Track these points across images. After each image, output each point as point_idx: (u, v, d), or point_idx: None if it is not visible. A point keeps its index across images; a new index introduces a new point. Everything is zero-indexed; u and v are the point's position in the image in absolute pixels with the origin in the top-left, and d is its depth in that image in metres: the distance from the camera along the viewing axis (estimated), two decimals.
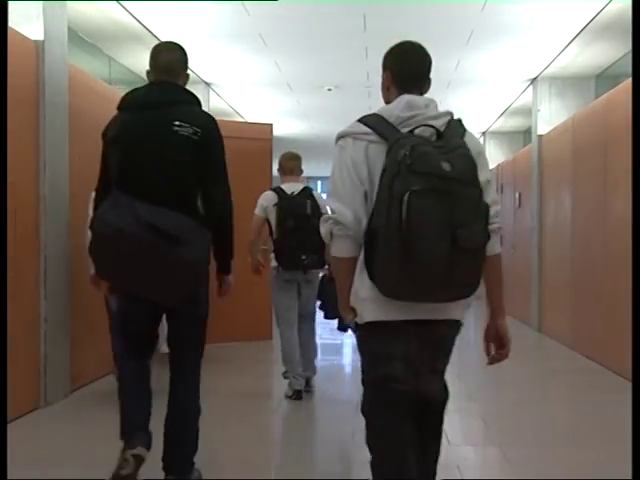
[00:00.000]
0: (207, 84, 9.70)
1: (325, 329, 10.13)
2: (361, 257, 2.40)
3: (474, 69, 9.10)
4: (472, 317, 13.65)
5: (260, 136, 8.32)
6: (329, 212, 2.47)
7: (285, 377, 5.43)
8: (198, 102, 3.38)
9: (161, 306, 3.16)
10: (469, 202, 2.29)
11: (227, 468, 3.90)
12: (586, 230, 7.50)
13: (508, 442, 4.40)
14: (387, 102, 2.58)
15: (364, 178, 2.39)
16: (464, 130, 2.48)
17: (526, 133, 12.96)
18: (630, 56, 6.02)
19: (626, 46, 7.66)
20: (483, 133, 14.06)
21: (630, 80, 5.75)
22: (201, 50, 8.24)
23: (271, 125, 8.63)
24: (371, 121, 2.45)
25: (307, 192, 5.54)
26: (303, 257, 5.26)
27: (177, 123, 3.10)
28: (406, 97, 2.47)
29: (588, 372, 6.67)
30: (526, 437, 4.55)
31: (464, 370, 7.39)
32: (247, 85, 10.09)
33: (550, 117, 9.38)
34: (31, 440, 4.26)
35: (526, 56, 8.50)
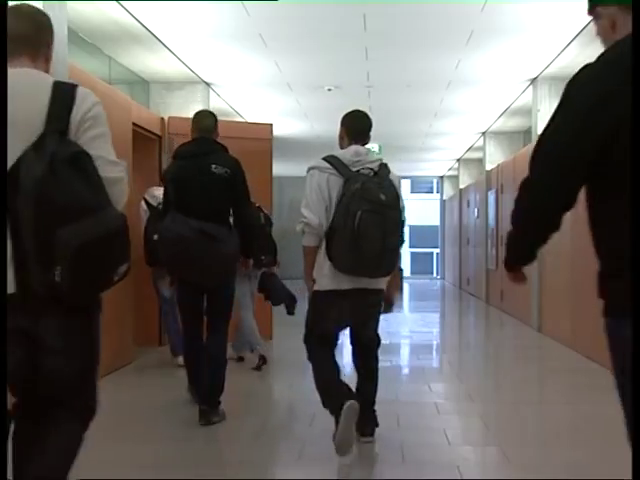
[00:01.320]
0: (207, 84, 9.69)
1: None
2: (323, 246, 3.87)
3: (474, 69, 9.10)
4: (472, 318, 13.70)
5: (260, 136, 8.32)
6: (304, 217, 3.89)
7: None
8: (226, 150, 4.74)
9: (205, 288, 4.58)
10: (394, 220, 3.85)
11: (227, 468, 3.90)
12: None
13: (508, 442, 4.40)
14: (341, 147, 4.16)
15: (326, 197, 3.88)
16: (389, 171, 4.04)
17: (526, 133, 12.95)
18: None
19: None
20: (483, 133, 14.05)
21: None
22: (201, 50, 8.23)
23: (271, 125, 8.64)
24: (332, 161, 3.97)
25: None
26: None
27: (214, 166, 4.46)
28: (354, 147, 4.08)
29: (588, 372, 6.67)
30: (526, 437, 4.56)
31: (464, 370, 7.39)
32: (247, 85, 10.09)
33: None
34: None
35: (526, 56, 8.50)
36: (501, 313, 11.83)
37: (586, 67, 2.01)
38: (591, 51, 8.15)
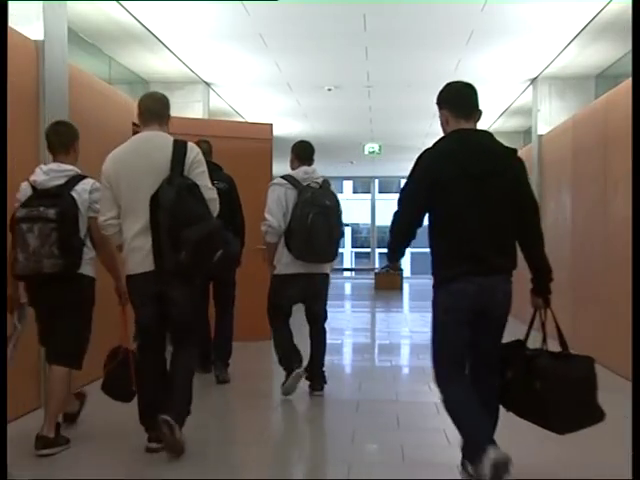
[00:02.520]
0: (207, 84, 9.69)
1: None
2: (282, 241, 5.23)
3: (474, 69, 9.10)
4: None
5: (260, 136, 8.32)
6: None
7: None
8: (221, 168, 6.00)
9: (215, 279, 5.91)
10: (335, 219, 5.29)
11: (227, 468, 3.90)
12: (586, 230, 7.50)
13: (508, 442, 4.40)
14: (292, 169, 5.47)
15: (284, 205, 5.21)
16: (329, 184, 5.47)
17: (526, 133, 12.95)
18: (630, 56, 6.01)
19: (626, 46, 7.66)
20: None
21: (630, 80, 5.75)
22: (201, 50, 8.24)
23: (271, 125, 8.63)
24: (288, 178, 5.32)
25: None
26: None
27: (216, 182, 4.59)
28: (303, 167, 5.43)
29: None
30: (526, 437, 4.55)
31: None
32: (247, 85, 10.09)
33: (550, 117, 9.38)
34: (31, 440, 4.25)
35: (526, 56, 8.51)
36: None
37: (426, 151, 3.56)
38: (591, 51, 8.17)
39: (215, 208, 3.90)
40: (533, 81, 9.66)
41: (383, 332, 10.23)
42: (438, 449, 4.25)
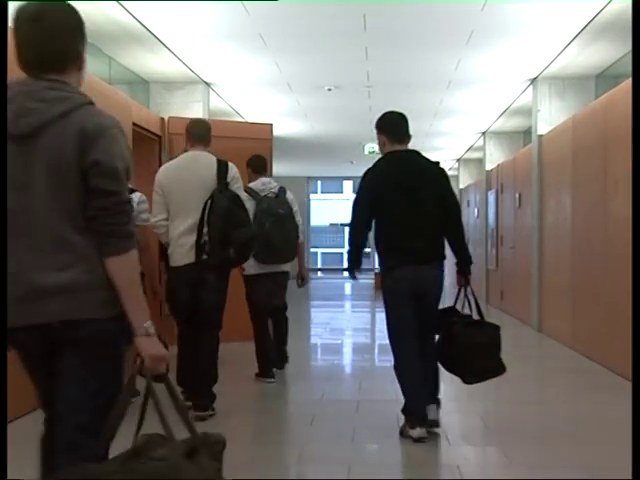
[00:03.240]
0: (207, 84, 9.69)
1: (325, 329, 10.14)
2: None
3: (474, 69, 9.09)
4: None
5: (260, 136, 8.32)
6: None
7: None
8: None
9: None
10: (290, 225, 5.97)
11: (227, 468, 3.90)
12: (586, 230, 7.50)
13: (508, 442, 4.40)
14: (250, 181, 6.03)
15: None
16: (285, 191, 6.11)
17: (526, 133, 12.95)
18: (630, 56, 6.01)
19: (626, 46, 7.66)
20: (483, 133, 14.05)
21: (630, 80, 5.75)
22: (201, 50, 8.23)
23: (271, 125, 8.63)
24: (248, 191, 5.63)
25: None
26: None
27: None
28: (262, 179, 6.11)
29: (588, 372, 6.67)
30: (526, 437, 4.55)
31: None
32: (247, 85, 10.09)
33: (550, 117, 9.38)
34: (31, 440, 4.25)
35: (526, 56, 8.50)
36: (501, 313, 11.82)
37: (369, 170, 4.46)
38: (591, 51, 8.16)
39: (250, 215, 4.94)
40: (533, 81, 9.66)
41: (383, 332, 10.20)
42: (438, 449, 4.25)
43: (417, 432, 4.15)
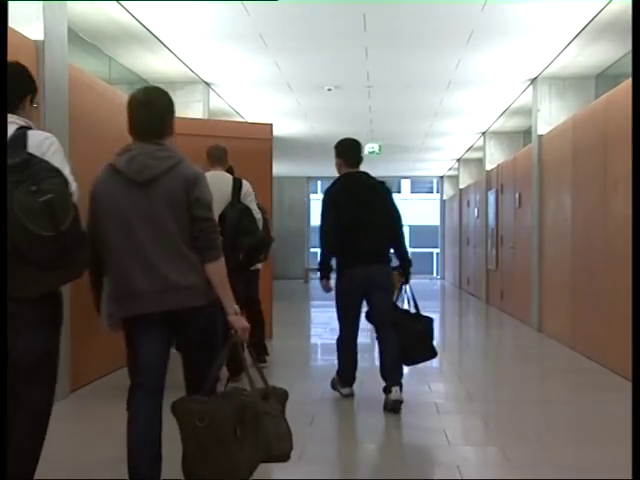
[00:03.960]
0: (207, 84, 9.69)
1: (325, 329, 10.13)
2: None
3: (474, 69, 9.10)
4: (472, 317, 13.65)
5: (260, 136, 8.32)
6: None
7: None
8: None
9: None
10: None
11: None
12: (586, 230, 7.50)
13: (508, 442, 4.40)
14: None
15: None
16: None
17: (526, 133, 12.95)
18: (630, 56, 6.01)
19: (626, 46, 7.66)
20: (483, 133, 14.05)
21: (630, 80, 5.75)
22: (201, 50, 8.23)
23: (271, 125, 8.63)
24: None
25: None
26: None
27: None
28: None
29: (588, 372, 6.67)
30: (526, 437, 4.55)
31: (464, 370, 7.40)
32: (247, 85, 10.09)
33: (550, 117, 9.38)
34: None
35: (526, 56, 8.50)
36: (501, 313, 11.82)
37: (330, 187, 5.37)
38: (591, 51, 8.16)
39: (260, 224, 5.41)
40: (533, 81, 9.66)
41: None
42: (438, 449, 4.25)
43: (346, 390, 5.51)
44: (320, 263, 5.37)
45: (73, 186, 2.66)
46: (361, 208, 5.19)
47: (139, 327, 3.01)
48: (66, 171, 2.66)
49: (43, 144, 2.70)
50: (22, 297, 2.61)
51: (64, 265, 2.63)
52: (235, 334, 2.99)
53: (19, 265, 2.52)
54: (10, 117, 2.73)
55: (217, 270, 3.01)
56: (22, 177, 2.52)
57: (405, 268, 5.42)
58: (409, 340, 5.22)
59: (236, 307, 3.03)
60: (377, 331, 5.36)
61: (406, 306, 5.50)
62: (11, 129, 2.70)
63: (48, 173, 2.58)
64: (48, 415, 2.93)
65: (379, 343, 5.34)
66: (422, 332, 5.31)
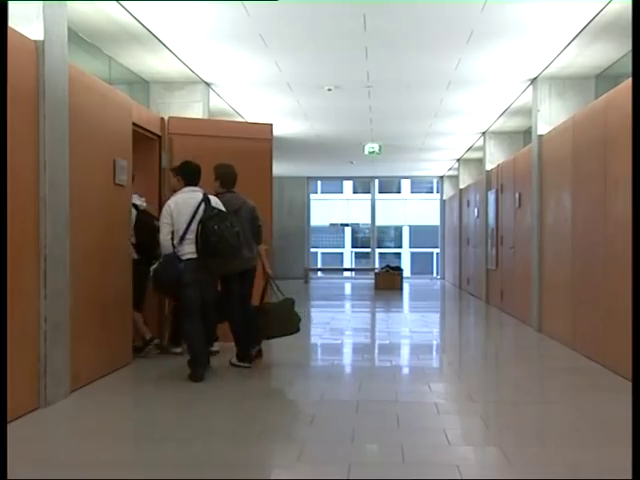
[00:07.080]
0: (207, 84, 9.69)
1: (325, 329, 10.14)
2: None
3: (474, 69, 9.10)
4: (472, 317, 13.63)
5: (260, 136, 8.32)
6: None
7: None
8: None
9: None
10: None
11: (227, 468, 3.90)
12: (586, 230, 7.50)
13: (508, 442, 4.40)
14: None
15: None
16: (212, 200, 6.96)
17: (526, 133, 12.95)
18: (630, 56, 6.01)
19: (626, 46, 7.66)
20: (483, 133, 14.05)
21: (630, 80, 5.75)
22: (201, 50, 8.23)
23: (271, 125, 8.63)
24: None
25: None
26: None
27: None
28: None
29: (588, 372, 6.67)
30: (526, 437, 4.55)
31: (464, 370, 7.40)
32: (247, 85, 10.09)
33: (550, 117, 9.38)
34: (31, 440, 4.26)
35: (526, 56, 8.50)
36: (501, 313, 11.82)
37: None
38: (591, 51, 8.16)
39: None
40: (533, 81, 9.66)
41: (383, 332, 10.23)
42: (438, 449, 4.25)
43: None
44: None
45: None
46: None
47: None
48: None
49: (219, 203, 6.23)
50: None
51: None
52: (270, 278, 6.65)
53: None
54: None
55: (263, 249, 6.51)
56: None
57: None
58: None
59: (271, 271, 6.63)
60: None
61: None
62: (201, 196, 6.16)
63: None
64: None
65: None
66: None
